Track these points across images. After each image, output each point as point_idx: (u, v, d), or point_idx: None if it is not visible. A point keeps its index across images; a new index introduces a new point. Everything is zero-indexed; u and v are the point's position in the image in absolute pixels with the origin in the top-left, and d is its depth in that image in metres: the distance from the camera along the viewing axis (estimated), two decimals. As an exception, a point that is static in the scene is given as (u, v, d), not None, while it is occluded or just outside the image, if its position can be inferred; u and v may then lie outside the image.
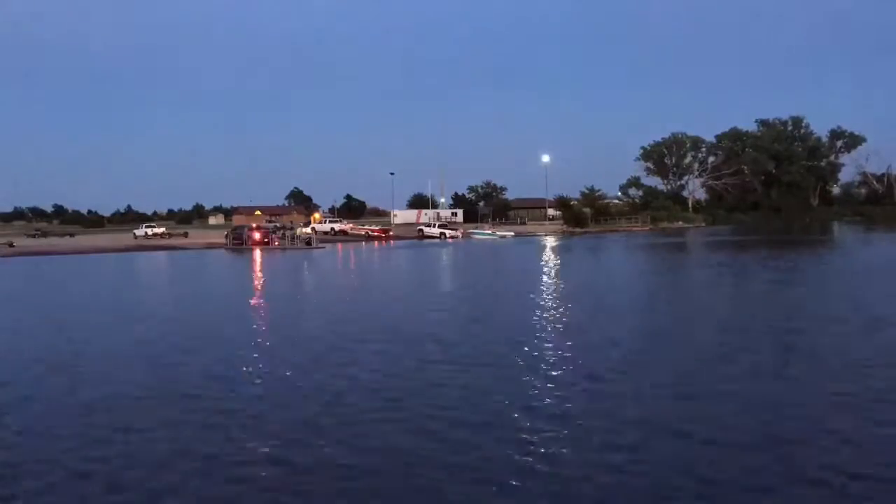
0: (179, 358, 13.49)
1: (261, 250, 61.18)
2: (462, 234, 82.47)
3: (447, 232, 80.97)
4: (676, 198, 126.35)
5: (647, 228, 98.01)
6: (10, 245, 75.35)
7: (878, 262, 34.25)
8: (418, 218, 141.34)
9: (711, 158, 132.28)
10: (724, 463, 7.21)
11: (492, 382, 10.73)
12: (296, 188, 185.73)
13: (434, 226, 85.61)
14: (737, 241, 58.65)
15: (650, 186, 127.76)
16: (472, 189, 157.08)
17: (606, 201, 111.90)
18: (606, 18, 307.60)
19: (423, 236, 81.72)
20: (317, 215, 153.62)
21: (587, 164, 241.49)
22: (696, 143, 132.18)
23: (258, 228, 69.41)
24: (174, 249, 69.56)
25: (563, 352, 12.85)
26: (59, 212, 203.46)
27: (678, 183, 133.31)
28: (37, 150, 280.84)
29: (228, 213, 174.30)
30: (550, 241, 68.63)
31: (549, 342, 13.90)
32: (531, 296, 21.72)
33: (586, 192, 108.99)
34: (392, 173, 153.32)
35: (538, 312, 18.16)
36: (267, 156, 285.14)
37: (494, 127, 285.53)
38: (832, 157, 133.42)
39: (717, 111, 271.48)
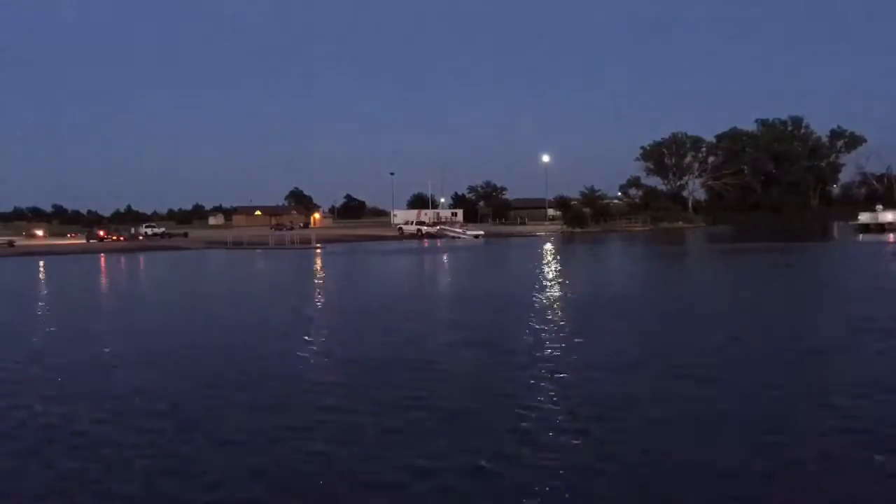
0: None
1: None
2: (437, 231, 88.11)
3: (423, 228, 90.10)
4: (676, 198, 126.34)
5: (648, 229, 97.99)
6: (11, 245, 75.28)
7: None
8: (418, 217, 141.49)
9: (711, 158, 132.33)
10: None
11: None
12: (296, 188, 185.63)
13: (412, 223, 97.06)
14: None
15: (650, 186, 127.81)
16: (472, 189, 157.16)
17: (606, 201, 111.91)
18: (606, 18, 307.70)
19: (402, 234, 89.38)
20: (317, 215, 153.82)
21: (587, 164, 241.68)
22: (696, 143, 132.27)
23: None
24: (176, 250, 69.49)
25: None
26: (59, 212, 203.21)
27: (678, 183, 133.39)
28: (37, 149, 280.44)
29: (228, 213, 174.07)
30: (539, 243, 68.04)
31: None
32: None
33: (586, 192, 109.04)
34: (392, 173, 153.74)
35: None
36: (267, 156, 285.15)
37: (494, 127, 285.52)
38: (832, 157, 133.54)
39: (717, 111, 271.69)
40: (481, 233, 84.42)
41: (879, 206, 78.64)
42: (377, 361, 12.75)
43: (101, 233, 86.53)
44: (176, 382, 11.63)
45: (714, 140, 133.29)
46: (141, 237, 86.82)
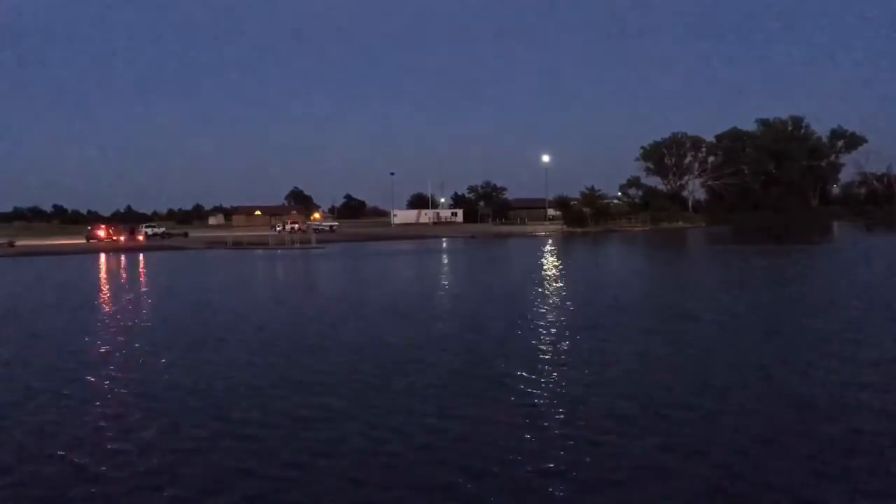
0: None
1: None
2: (306, 227, 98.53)
3: (295, 227, 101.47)
4: (676, 198, 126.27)
5: (647, 229, 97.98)
6: (11, 245, 75.34)
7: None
8: (418, 218, 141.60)
9: (711, 158, 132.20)
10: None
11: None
12: (296, 188, 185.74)
13: (286, 223, 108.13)
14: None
15: (650, 186, 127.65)
16: (472, 189, 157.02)
17: (606, 201, 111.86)
18: (606, 18, 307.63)
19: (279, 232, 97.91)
20: (317, 215, 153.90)
21: (587, 164, 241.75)
22: (696, 143, 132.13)
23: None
24: (176, 250, 69.53)
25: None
26: (60, 212, 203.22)
27: (678, 183, 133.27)
28: (36, 149, 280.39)
29: (228, 213, 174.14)
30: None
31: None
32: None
33: (586, 192, 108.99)
34: (392, 173, 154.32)
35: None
36: (267, 156, 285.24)
37: (494, 127, 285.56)
38: (832, 157, 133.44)
39: (717, 111, 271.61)
40: (336, 224, 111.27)
41: None
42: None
43: (102, 233, 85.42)
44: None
45: (714, 140, 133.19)
46: (139, 237, 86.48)
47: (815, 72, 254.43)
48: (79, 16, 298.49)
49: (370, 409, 10.27)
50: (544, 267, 37.36)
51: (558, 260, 43.90)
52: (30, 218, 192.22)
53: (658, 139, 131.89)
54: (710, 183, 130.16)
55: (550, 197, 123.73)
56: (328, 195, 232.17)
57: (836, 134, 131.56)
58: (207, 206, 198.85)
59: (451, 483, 7.48)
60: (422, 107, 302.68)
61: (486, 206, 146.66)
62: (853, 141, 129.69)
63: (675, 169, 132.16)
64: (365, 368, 12.85)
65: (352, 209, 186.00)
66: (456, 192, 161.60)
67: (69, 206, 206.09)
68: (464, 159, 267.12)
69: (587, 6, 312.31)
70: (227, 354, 14.59)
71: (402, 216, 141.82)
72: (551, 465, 7.90)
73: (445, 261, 47.77)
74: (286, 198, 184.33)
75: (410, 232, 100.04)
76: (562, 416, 9.67)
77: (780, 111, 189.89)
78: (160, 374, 12.98)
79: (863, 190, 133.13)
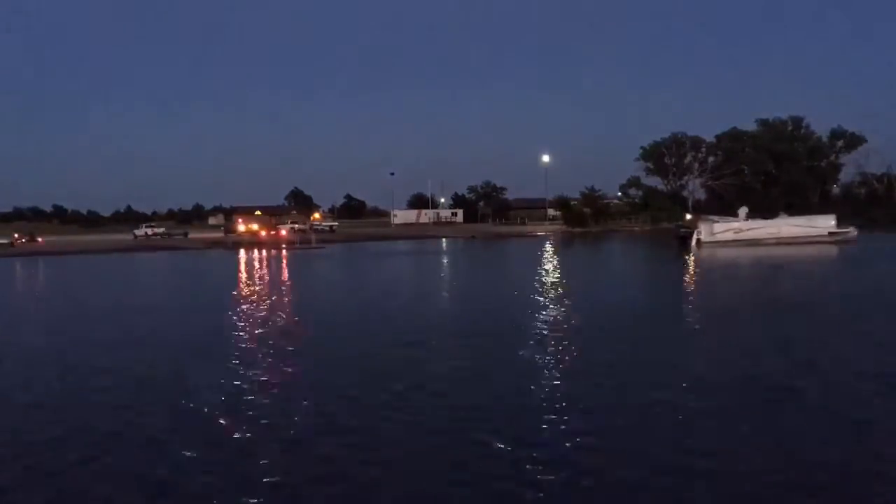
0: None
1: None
2: (309, 227, 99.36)
3: (296, 226, 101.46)
4: (676, 198, 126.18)
5: (648, 229, 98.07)
6: (11, 245, 75.48)
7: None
8: (418, 218, 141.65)
9: (711, 158, 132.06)
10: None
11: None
12: (296, 188, 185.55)
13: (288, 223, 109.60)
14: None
15: (650, 186, 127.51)
16: (472, 189, 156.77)
17: (606, 201, 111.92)
18: (606, 18, 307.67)
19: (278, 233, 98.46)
20: (317, 215, 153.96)
21: (587, 164, 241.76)
22: (696, 143, 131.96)
23: None
24: (175, 249, 69.62)
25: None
26: (59, 212, 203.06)
27: (678, 183, 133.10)
28: (35, 149, 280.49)
29: (228, 213, 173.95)
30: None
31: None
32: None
33: (586, 192, 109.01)
34: (392, 173, 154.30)
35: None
36: (267, 156, 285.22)
37: (494, 127, 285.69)
38: (832, 157, 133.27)
39: (717, 111, 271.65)
40: (336, 224, 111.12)
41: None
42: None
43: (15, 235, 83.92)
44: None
45: (714, 140, 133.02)
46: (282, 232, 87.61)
47: (815, 71, 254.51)
48: (76, 15, 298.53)
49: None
50: (546, 269, 37.39)
51: (559, 262, 43.94)
52: (30, 218, 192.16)
53: (658, 139, 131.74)
54: (710, 183, 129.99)
55: (550, 197, 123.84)
56: (328, 195, 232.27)
57: (836, 134, 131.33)
58: (207, 206, 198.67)
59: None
60: (422, 106, 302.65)
61: (486, 206, 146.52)
62: (853, 141, 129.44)
63: (675, 169, 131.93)
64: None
65: (352, 209, 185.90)
66: (456, 192, 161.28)
67: (69, 206, 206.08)
68: (464, 159, 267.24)
69: (587, 5, 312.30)
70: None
71: (402, 216, 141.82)
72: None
73: (445, 262, 47.79)
74: (286, 198, 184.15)
75: (410, 232, 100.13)
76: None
77: (780, 111, 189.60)
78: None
79: (863, 190, 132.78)
